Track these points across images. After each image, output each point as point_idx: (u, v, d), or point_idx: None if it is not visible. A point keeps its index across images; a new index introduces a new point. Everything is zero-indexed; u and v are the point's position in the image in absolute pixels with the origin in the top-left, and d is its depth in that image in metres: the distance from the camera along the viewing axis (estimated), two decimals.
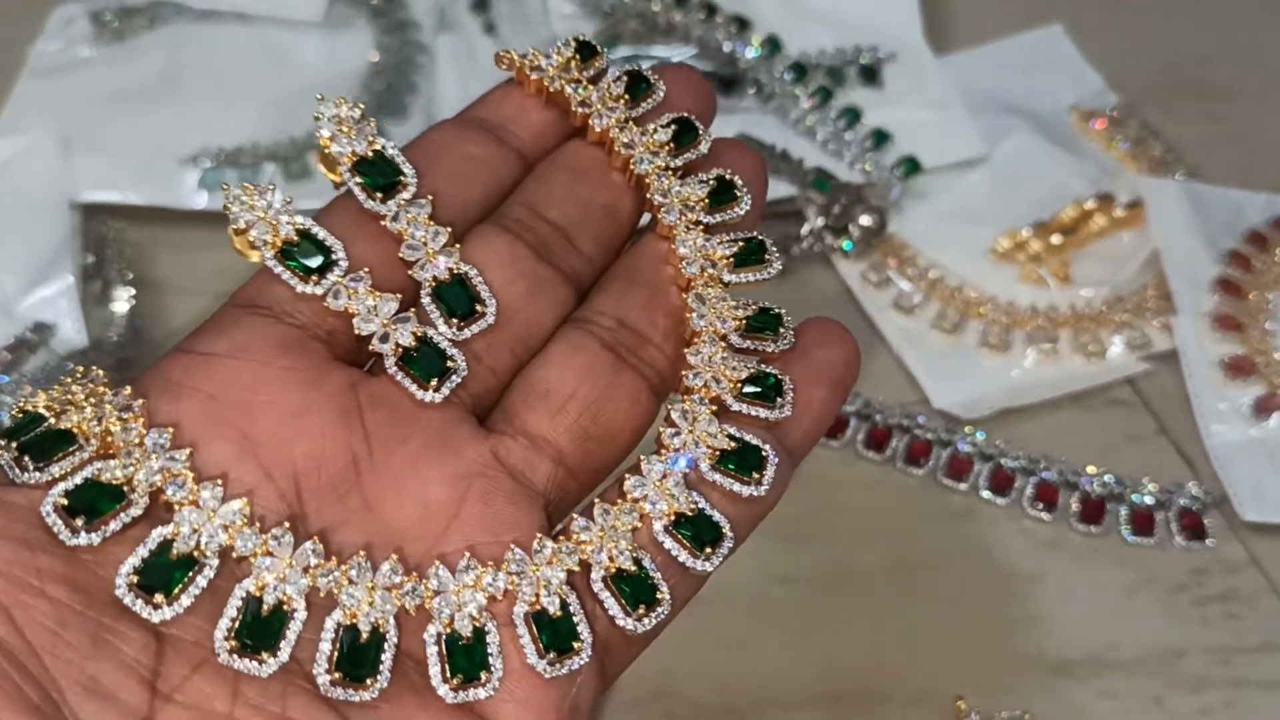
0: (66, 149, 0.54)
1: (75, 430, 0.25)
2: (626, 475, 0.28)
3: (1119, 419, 0.50)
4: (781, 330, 0.30)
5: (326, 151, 0.29)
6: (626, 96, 0.31)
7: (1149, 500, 0.47)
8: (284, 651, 0.25)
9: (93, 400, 0.26)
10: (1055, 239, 0.54)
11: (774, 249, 0.30)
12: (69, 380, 0.27)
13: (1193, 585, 0.45)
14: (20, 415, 0.26)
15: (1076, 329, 0.52)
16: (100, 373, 0.27)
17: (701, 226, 0.30)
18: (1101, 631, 0.44)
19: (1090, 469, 0.47)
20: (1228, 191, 0.56)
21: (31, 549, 0.24)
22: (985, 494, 0.47)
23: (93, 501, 0.25)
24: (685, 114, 0.32)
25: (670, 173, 0.31)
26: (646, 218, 0.32)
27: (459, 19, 0.62)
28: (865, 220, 0.54)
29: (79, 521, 0.24)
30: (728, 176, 0.31)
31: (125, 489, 0.25)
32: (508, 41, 0.61)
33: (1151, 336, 0.52)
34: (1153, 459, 0.49)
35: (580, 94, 0.31)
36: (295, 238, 0.28)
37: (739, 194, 0.31)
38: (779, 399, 0.29)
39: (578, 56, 0.32)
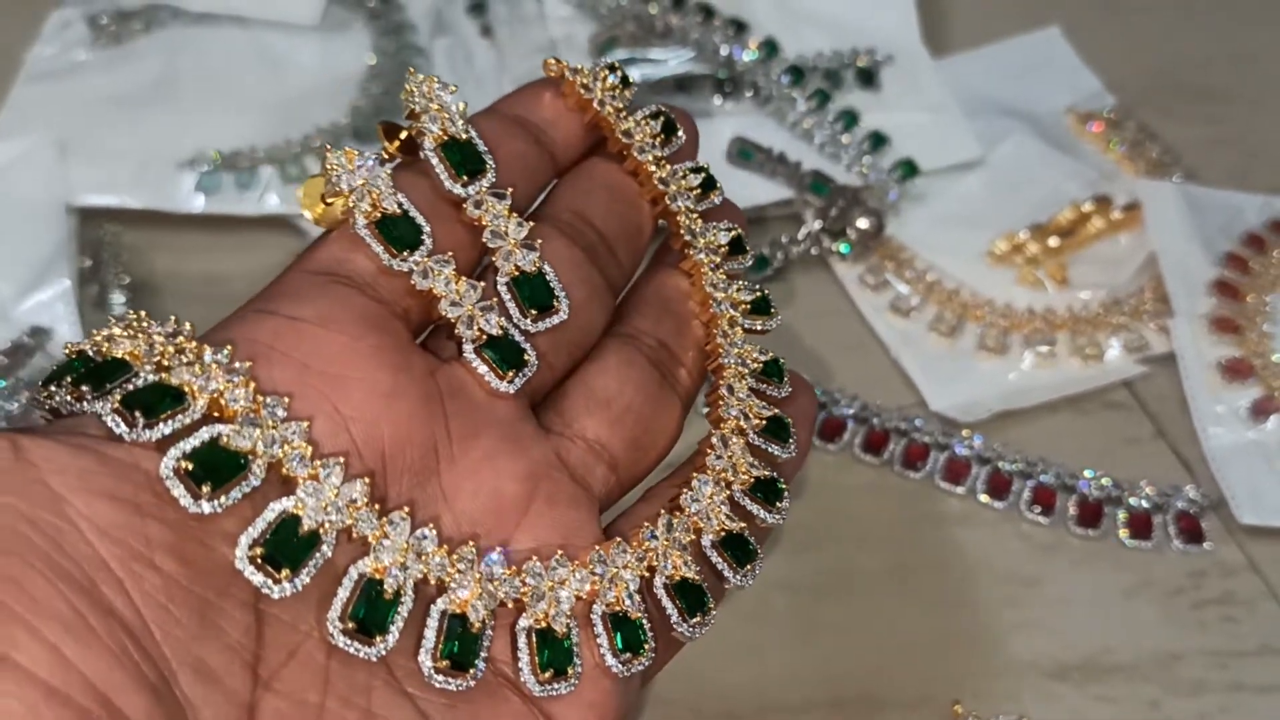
0: (63, 153, 0.54)
1: (184, 389, 0.24)
2: (686, 490, 0.30)
3: (1116, 422, 0.50)
4: (784, 381, 0.33)
5: (413, 127, 0.29)
6: (662, 135, 0.33)
7: (1146, 504, 0.47)
8: (393, 635, 0.25)
9: (187, 358, 0.25)
10: (1052, 242, 0.54)
11: (774, 308, 0.34)
12: (146, 326, 0.25)
13: (1190, 589, 0.45)
14: (95, 358, 0.25)
15: (1074, 332, 0.52)
16: (190, 326, 0.26)
17: (721, 270, 0.33)
18: (1098, 635, 0.44)
19: (1087, 472, 0.47)
20: (1225, 194, 0.56)
21: (142, 514, 0.23)
22: (983, 498, 0.47)
23: (217, 466, 0.24)
24: (705, 166, 0.34)
25: (696, 216, 0.33)
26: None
27: (455, 22, 0.62)
28: (862, 223, 0.54)
29: (205, 488, 0.23)
30: (740, 234, 0.34)
31: (248, 457, 0.24)
32: (504, 44, 0.61)
33: (1149, 339, 0.52)
34: (1150, 462, 0.49)
35: (624, 124, 0.33)
36: (397, 209, 0.28)
37: (746, 250, 0.34)
38: (790, 441, 0.32)
39: (620, 86, 0.33)
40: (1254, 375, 0.49)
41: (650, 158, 0.33)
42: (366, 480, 0.25)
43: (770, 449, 0.31)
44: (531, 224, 0.30)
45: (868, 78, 0.59)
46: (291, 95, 0.58)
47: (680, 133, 0.34)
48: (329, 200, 0.28)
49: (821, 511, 0.47)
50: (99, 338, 0.25)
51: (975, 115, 0.59)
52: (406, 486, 0.27)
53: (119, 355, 0.25)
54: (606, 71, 0.33)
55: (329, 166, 0.28)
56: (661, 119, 0.33)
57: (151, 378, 0.24)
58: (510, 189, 0.30)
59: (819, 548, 0.46)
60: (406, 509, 0.26)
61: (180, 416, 0.24)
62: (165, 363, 0.25)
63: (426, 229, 0.28)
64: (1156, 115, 0.60)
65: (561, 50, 0.60)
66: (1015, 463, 0.47)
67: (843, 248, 0.54)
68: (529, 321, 0.29)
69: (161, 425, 0.24)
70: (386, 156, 0.29)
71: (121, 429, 0.23)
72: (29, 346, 0.48)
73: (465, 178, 0.29)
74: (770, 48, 0.59)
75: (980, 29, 0.64)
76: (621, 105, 0.33)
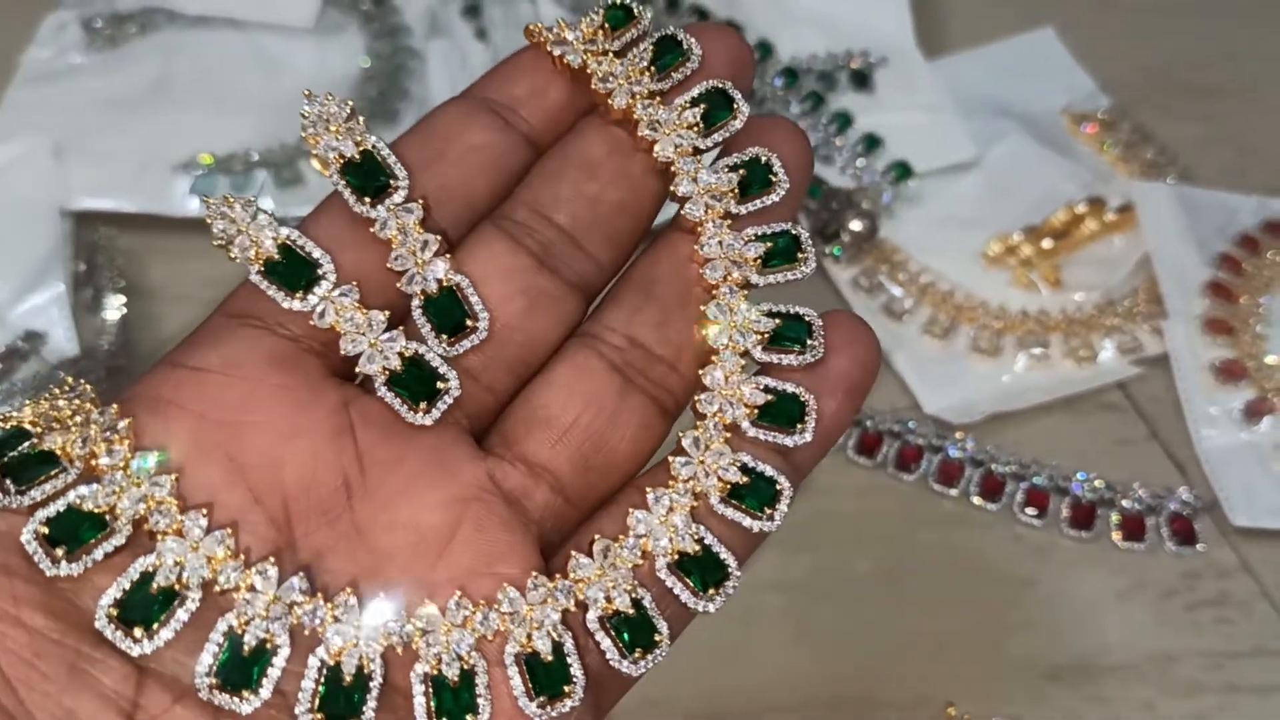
0: (58, 156, 0.54)
1: (59, 452, 0.25)
2: (631, 510, 0.26)
3: (1110, 424, 0.50)
4: (811, 342, 0.27)
5: (315, 153, 0.28)
6: (653, 69, 0.28)
7: (1139, 505, 0.47)
8: (265, 689, 0.24)
9: (79, 419, 0.25)
10: (1046, 243, 0.54)
11: (809, 244, 0.28)
12: (57, 393, 0.26)
13: (1184, 590, 0.45)
14: (4, 428, 0.25)
15: (1067, 333, 0.52)
16: (88, 388, 0.26)
17: (729, 220, 0.28)
18: (1093, 637, 0.44)
19: (1080, 475, 0.48)
20: (1220, 194, 0.56)
21: (9, 575, 0.23)
22: (976, 500, 0.47)
23: (74, 530, 0.24)
24: (719, 83, 0.28)
25: (698, 157, 0.28)
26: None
27: (450, 24, 0.62)
28: (855, 225, 0.54)
29: (60, 551, 0.24)
30: (764, 159, 0.28)
31: (108, 517, 0.24)
32: (498, 47, 0.61)
33: (1142, 340, 0.52)
34: (1144, 464, 0.49)
35: (604, 68, 0.28)
36: (277, 254, 0.27)
37: (775, 178, 0.28)
38: (800, 424, 0.27)
39: (607, 25, 0.29)
40: (1247, 377, 0.50)
41: (633, 99, 0.28)
42: (229, 531, 0.25)
43: (773, 439, 0.27)
44: (439, 238, 0.27)
45: (862, 80, 0.59)
46: (286, 98, 0.58)
47: (689, 53, 0.28)
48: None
49: (816, 513, 0.47)
50: (7, 415, 0.26)
51: (970, 116, 0.59)
52: (315, 526, 0.26)
53: (16, 424, 0.25)
54: (592, 14, 0.29)
55: (206, 218, 0.27)
56: (652, 47, 0.28)
57: (34, 443, 0.25)
58: (421, 200, 0.27)
59: (813, 549, 0.46)
60: (272, 559, 0.25)
61: (53, 481, 0.24)
62: (45, 426, 0.25)
63: (325, 263, 0.27)
64: (1152, 114, 0.60)
65: None
66: (1009, 465, 0.48)
67: (835, 251, 0.54)
68: (443, 346, 0.27)
69: (33, 490, 0.24)
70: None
71: None
72: (23, 351, 0.48)
73: (369, 198, 0.27)
74: (764, 50, 0.59)
75: (975, 30, 0.64)
76: (605, 48, 0.28)
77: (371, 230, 0.27)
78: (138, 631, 0.24)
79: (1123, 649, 0.44)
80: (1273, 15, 0.66)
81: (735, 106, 0.28)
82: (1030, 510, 0.47)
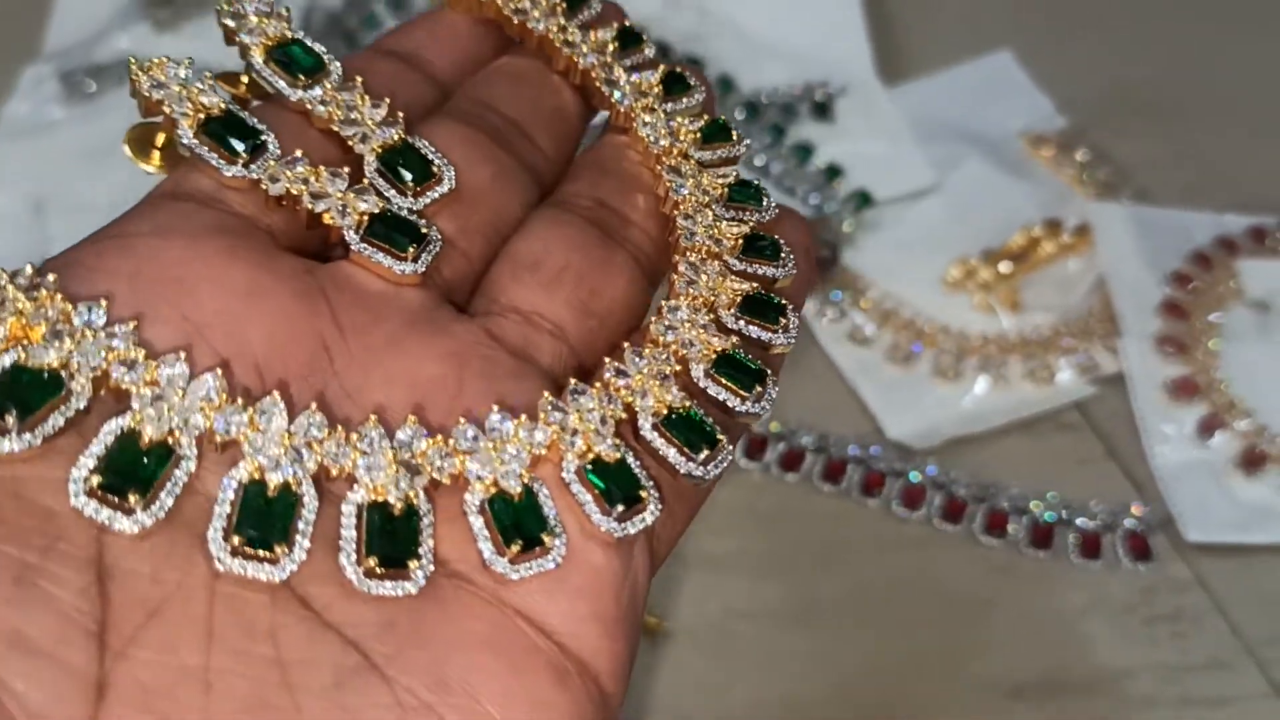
0: (39, 211, 0.56)
1: None
2: (651, 321, 0.24)
3: (1068, 444, 0.51)
4: (765, 201, 0.27)
5: (236, 39, 0.25)
6: (563, 3, 0.29)
7: (1096, 524, 0.48)
8: (301, 543, 0.20)
9: None
10: (1003, 266, 0.55)
11: (736, 127, 0.29)
12: None
13: (1141, 606, 0.46)
14: None
15: (1025, 355, 0.53)
16: None
17: (661, 110, 0.28)
18: (1053, 654, 0.45)
19: (1040, 496, 0.49)
20: (1175, 213, 0.57)
21: None
22: (938, 523, 0.48)
23: (22, 393, 0.19)
24: (626, 23, 0.29)
25: (616, 65, 0.29)
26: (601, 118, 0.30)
27: None
28: (819, 253, 0.55)
29: (9, 420, 0.19)
30: (677, 70, 0.29)
31: (63, 373, 0.20)
32: None
33: (1099, 360, 0.53)
34: (1102, 482, 0.50)
35: (513, 2, 0.29)
36: (222, 107, 0.24)
37: (692, 84, 0.29)
38: (781, 256, 0.26)
39: None
40: (1200, 393, 0.51)
41: (552, 26, 0.29)
42: (219, 371, 0.21)
43: (760, 271, 0.26)
44: (388, 100, 0.25)
45: (822, 110, 0.61)
46: None
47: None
48: (149, 120, 0.24)
49: (782, 540, 0.48)
50: None
51: (930, 141, 0.60)
52: (298, 393, 0.22)
53: None
54: None
55: (133, 78, 0.24)
56: None
57: None
58: (359, 79, 0.26)
59: (780, 576, 0.47)
60: (277, 393, 0.21)
61: None
62: None
63: (269, 135, 0.24)
64: (1109, 135, 0.62)
65: None
66: (969, 488, 0.49)
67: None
68: (410, 198, 0.25)
69: None
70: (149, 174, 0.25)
71: None
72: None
73: (303, 78, 0.25)
74: (725, 85, 0.61)
75: (933, 55, 0.65)
76: None
77: (309, 111, 0.25)
78: (132, 498, 0.19)
79: (1082, 665, 0.45)
80: (1229, 34, 0.67)
81: (644, 40, 0.29)
82: (990, 532, 0.48)
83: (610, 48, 0.29)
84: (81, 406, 0.20)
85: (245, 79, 0.26)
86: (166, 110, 0.23)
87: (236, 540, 0.19)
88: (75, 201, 0.56)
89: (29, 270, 0.21)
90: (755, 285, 0.25)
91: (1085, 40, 0.67)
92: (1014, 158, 0.60)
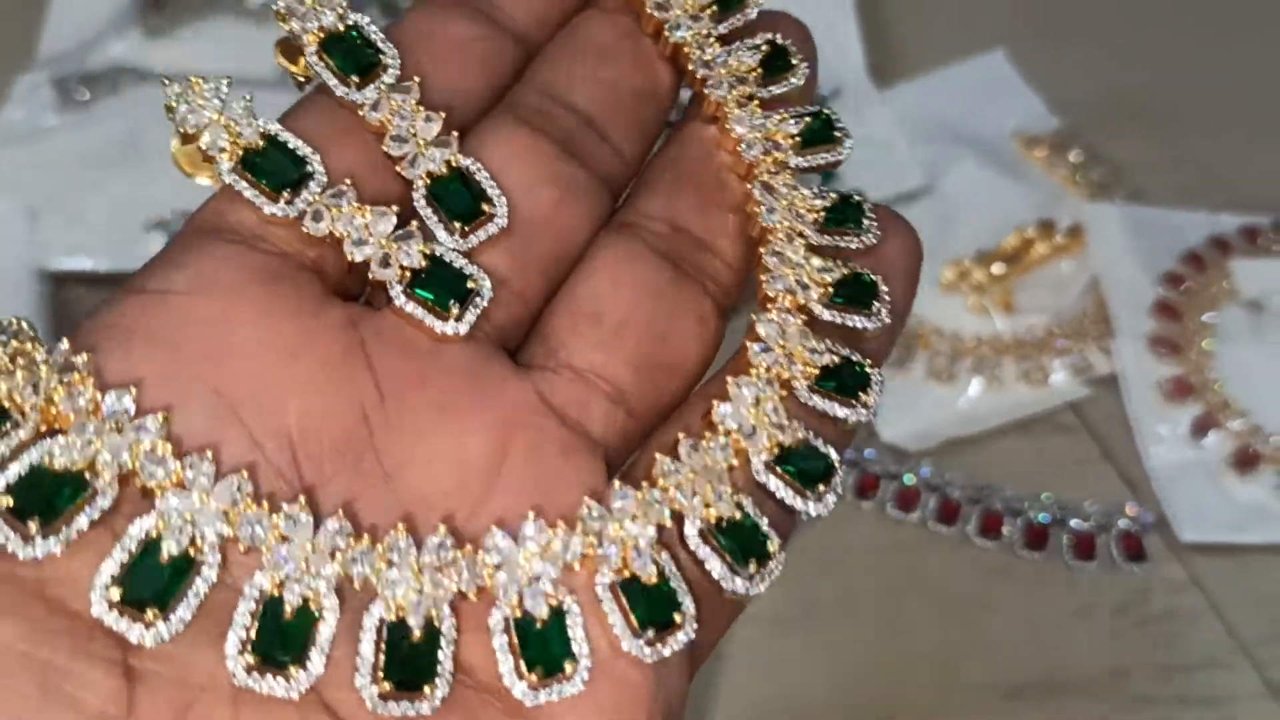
0: (34, 219, 0.56)
1: (4, 402, 0.20)
2: (715, 403, 0.23)
3: (1063, 445, 0.52)
4: (866, 223, 0.24)
5: (286, 29, 0.24)
6: None
7: (1090, 525, 0.48)
8: (316, 661, 0.20)
9: (23, 361, 0.20)
10: (997, 268, 0.55)
11: (842, 124, 0.26)
12: None
13: (1136, 606, 0.47)
14: None
15: (1020, 356, 0.53)
16: (25, 325, 0.21)
17: (757, 102, 0.25)
18: (1050, 655, 0.45)
19: (1032, 498, 0.49)
20: (1168, 213, 0.57)
21: None
22: (933, 525, 0.49)
23: (47, 494, 0.19)
24: None
25: (714, 41, 0.26)
26: (684, 94, 0.27)
27: None
28: None
29: (33, 524, 0.19)
30: (780, 41, 0.26)
31: (87, 474, 0.19)
32: None
33: (1094, 361, 0.53)
34: (1098, 483, 0.50)
35: None
36: (260, 143, 0.23)
37: (795, 62, 0.26)
38: (875, 304, 0.24)
39: None
40: (1194, 393, 0.51)
41: None
42: (244, 473, 0.20)
43: (849, 321, 0.23)
44: (443, 115, 0.24)
45: None
46: None
47: None
48: (183, 146, 0.23)
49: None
50: None
51: (924, 142, 0.60)
52: (333, 471, 0.21)
53: None
54: None
55: (168, 104, 0.23)
56: None
57: None
58: (416, 80, 0.24)
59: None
60: (303, 499, 0.20)
61: (3, 440, 0.19)
62: None
63: (315, 158, 0.23)
64: (1104, 136, 0.61)
65: None
66: (964, 490, 0.49)
67: None
68: (457, 238, 0.23)
69: None
70: (299, 84, 0.25)
71: None
72: None
73: (356, 77, 0.23)
74: None
75: (926, 56, 0.65)
76: None
77: (360, 115, 0.24)
78: (150, 613, 0.19)
79: (1078, 666, 0.45)
80: (1223, 35, 0.67)
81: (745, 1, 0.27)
82: (985, 534, 0.48)
83: (708, 12, 0.26)
84: (107, 506, 0.20)
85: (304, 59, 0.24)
86: (204, 146, 0.23)
87: (252, 659, 0.19)
88: (69, 209, 0.57)
89: (64, 347, 0.20)
90: (837, 355, 0.23)
91: (1078, 41, 0.67)
92: (1007, 159, 0.60)
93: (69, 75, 0.61)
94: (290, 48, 0.24)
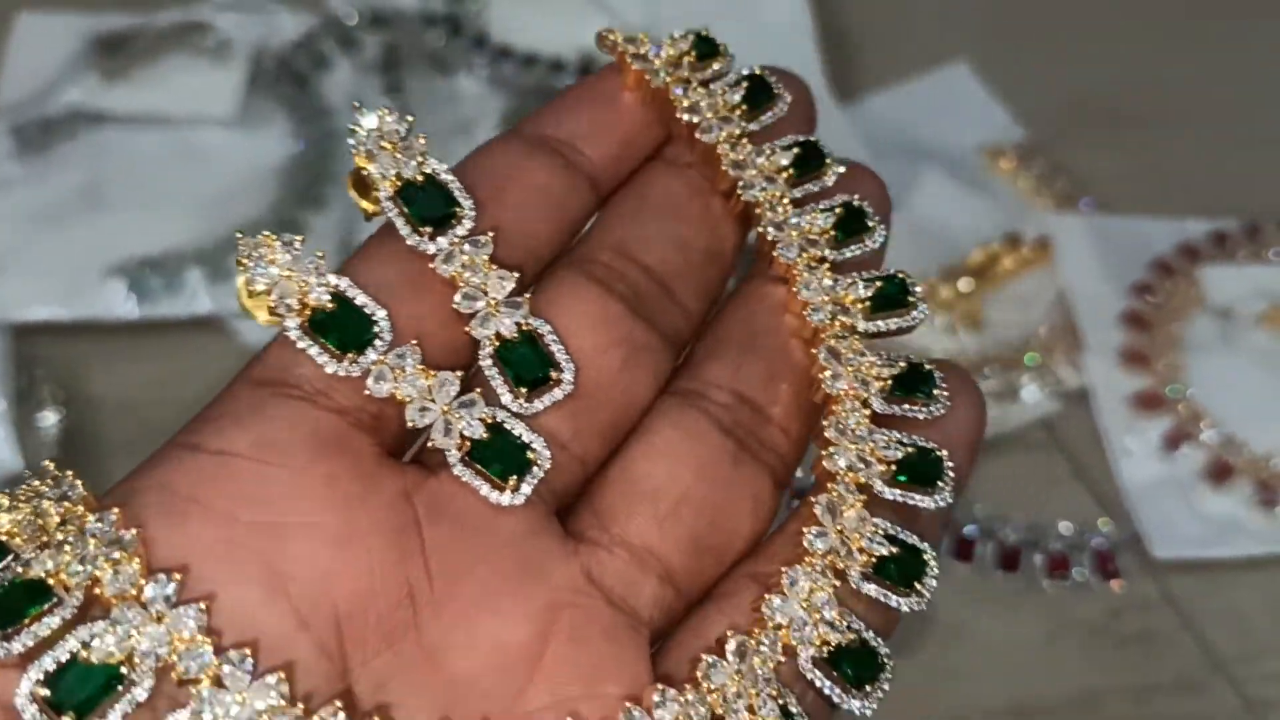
0: None
1: (51, 580, 0.20)
2: (766, 597, 0.22)
3: (1035, 464, 0.51)
4: (936, 392, 0.24)
5: (364, 172, 0.24)
6: (745, 107, 0.26)
7: (1063, 544, 0.48)
8: None
9: (71, 529, 0.20)
10: (963, 284, 0.55)
11: (917, 289, 0.25)
12: (39, 488, 0.21)
13: (1110, 626, 0.46)
14: None
15: (988, 373, 0.53)
16: (78, 482, 0.21)
17: (828, 265, 0.25)
18: (1025, 679, 0.45)
19: (1004, 519, 0.49)
20: (1135, 221, 0.57)
21: None
22: None
23: (84, 689, 0.19)
24: (811, 138, 0.26)
25: (785, 201, 0.26)
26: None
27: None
28: None
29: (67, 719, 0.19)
30: (855, 204, 0.26)
31: (123, 668, 0.19)
32: (422, 123, 0.62)
33: (1063, 376, 0.53)
34: (1070, 502, 0.50)
35: (689, 97, 0.26)
36: (330, 304, 0.23)
37: (870, 224, 0.25)
38: (940, 482, 0.23)
39: (694, 52, 0.27)
40: (1164, 406, 0.50)
41: (723, 135, 0.26)
42: (281, 676, 0.20)
43: (914, 501, 0.23)
44: (516, 275, 0.24)
45: None
46: (216, 191, 0.59)
47: (779, 98, 0.26)
48: (251, 299, 0.23)
49: None
50: None
51: (887, 157, 0.59)
52: (374, 652, 0.21)
53: None
54: (677, 38, 0.27)
55: (239, 260, 0.23)
56: (745, 84, 0.26)
57: (17, 570, 0.20)
58: (491, 233, 0.24)
59: None
60: (339, 704, 0.20)
61: (46, 620, 0.19)
62: (29, 537, 0.20)
63: (381, 317, 0.23)
64: (1068, 146, 0.61)
65: (474, 126, 0.61)
66: None
67: None
68: (521, 403, 0.23)
69: (22, 635, 0.19)
70: (367, 217, 0.24)
71: None
72: None
73: (430, 228, 0.23)
74: None
75: (888, 69, 0.65)
76: (689, 76, 0.26)
77: (431, 268, 0.23)
78: None
79: (1053, 689, 0.45)
80: (1186, 42, 0.67)
81: (827, 160, 0.26)
82: (959, 557, 0.48)
83: (784, 175, 0.26)
84: (142, 698, 0.19)
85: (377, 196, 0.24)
86: (272, 307, 0.23)
87: None
88: (29, 259, 0.56)
89: (114, 516, 0.20)
90: (896, 545, 0.23)
91: (1041, 51, 0.67)
92: (973, 172, 0.60)
93: (26, 123, 0.61)
94: (363, 181, 0.24)
